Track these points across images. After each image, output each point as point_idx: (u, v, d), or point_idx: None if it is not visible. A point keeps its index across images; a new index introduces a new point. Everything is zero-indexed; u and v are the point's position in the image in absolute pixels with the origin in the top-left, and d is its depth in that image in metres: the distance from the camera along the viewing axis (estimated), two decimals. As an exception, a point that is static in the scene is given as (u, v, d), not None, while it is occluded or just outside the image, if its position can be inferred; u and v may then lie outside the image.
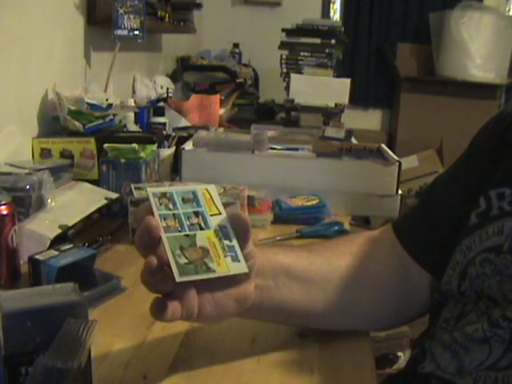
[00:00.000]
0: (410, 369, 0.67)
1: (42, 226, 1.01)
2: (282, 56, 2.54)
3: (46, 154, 1.37)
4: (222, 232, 0.49)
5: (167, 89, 2.27)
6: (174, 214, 0.47)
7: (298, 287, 0.66)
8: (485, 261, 0.58)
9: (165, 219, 0.46)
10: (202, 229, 0.48)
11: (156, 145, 1.40)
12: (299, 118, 2.27)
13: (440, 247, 0.67)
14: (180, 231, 0.47)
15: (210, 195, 0.50)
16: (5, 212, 0.89)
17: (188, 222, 0.47)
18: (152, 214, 0.49)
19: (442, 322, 0.63)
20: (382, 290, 0.71)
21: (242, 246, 0.52)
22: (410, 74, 3.90)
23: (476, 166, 0.67)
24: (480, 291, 0.59)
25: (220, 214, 0.50)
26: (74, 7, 1.65)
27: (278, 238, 1.18)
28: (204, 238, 0.48)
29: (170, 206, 0.47)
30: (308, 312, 0.69)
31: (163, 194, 0.47)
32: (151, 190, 0.46)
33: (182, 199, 0.48)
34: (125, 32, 1.74)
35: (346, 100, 2.37)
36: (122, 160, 1.27)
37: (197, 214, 0.48)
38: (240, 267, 0.51)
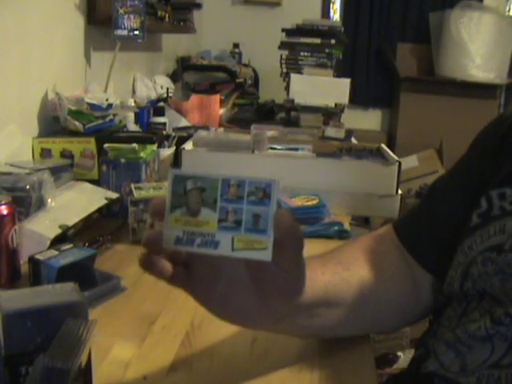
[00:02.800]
0: (413, 368, 0.67)
1: (42, 226, 1.01)
2: (282, 56, 2.54)
3: (46, 153, 1.37)
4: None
5: (167, 89, 2.27)
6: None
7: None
8: (487, 260, 0.58)
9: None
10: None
11: (156, 145, 1.40)
12: (299, 118, 2.27)
13: (442, 248, 0.67)
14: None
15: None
16: (5, 212, 0.89)
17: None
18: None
19: (444, 320, 0.63)
20: (392, 293, 0.71)
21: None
22: (409, 74, 3.90)
23: (477, 168, 0.68)
24: (482, 290, 0.59)
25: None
26: (74, 7, 1.65)
27: (278, 238, 1.18)
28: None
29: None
30: (327, 327, 0.69)
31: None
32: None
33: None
34: (125, 32, 1.74)
35: (345, 100, 2.37)
36: (122, 160, 1.27)
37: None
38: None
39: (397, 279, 0.71)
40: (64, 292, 0.56)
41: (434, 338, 0.63)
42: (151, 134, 1.54)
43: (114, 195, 1.23)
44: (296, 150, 1.56)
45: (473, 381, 0.55)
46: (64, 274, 0.84)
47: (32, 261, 0.88)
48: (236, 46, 3.36)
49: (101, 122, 1.45)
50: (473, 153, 0.70)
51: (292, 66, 2.51)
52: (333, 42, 2.50)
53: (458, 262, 0.62)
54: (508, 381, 0.53)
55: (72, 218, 1.09)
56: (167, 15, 2.24)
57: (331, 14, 4.00)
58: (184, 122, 1.96)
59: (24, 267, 0.92)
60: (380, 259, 0.72)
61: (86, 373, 0.54)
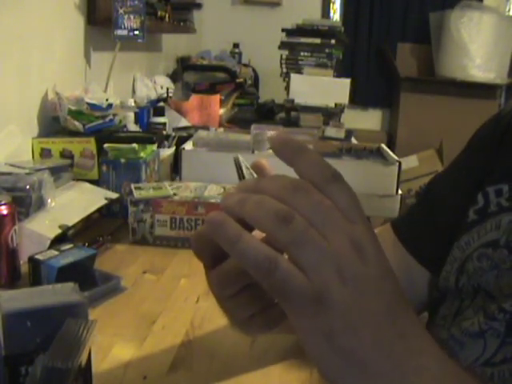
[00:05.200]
0: None
1: (42, 226, 1.02)
2: (282, 56, 2.54)
3: (46, 153, 1.37)
4: None
5: (167, 89, 2.27)
6: None
7: None
8: (482, 256, 0.59)
9: (249, 175, 0.46)
10: None
11: (156, 145, 1.40)
12: (299, 117, 2.27)
13: (439, 244, 0.67)
14: None
15: None
16: (5, 212, 0.89)
17: None
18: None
19: (439, 320, 0.63)
20: None
21: None
22: (409, 74, 3.90)
23: (474, 164, 0.68)
24: (477, 286, 0.59)
25: None
26: (74, 7, 1.65)
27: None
28: None
29: (251, 177, 0.47)
30: None
31: (247, 167, 0.47)
32: (241, 158, 0.47)
33: None
34: (125, 32, 1.74)
35: (346, 100, 2.37)
36: (122, 160, 1.27)
37: None
38: None
39: None
40: (64, 292, 0.56)
41: None
42: (151, 134, 1.54)
43: (114, 195, 1.23)
44: (296, 150, 1.56)
45: None
46: (64, 274, 0.84)
47: (32, 261, 0.88)
48: (236, 45, 3.36)
49: (101, 121, 1.45)
50: (471, 150, 0.71)
51: (292, 65, 2.51)
52: (333, 42, 2.50)
53: (454, 258, 0.62)
54: (500, 378, 0.53)
55: (72, 218, 1.09)
56: (167, 15, 2.24)
57: (331, 14, 4.00)
58: (184, 122, 1.96)
59: (24, 267, 0.92)
60: None
61: (85, 373, 0.54)
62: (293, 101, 2.33)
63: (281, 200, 0.36)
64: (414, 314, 0.39)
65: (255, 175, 0.46)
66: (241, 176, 0.45)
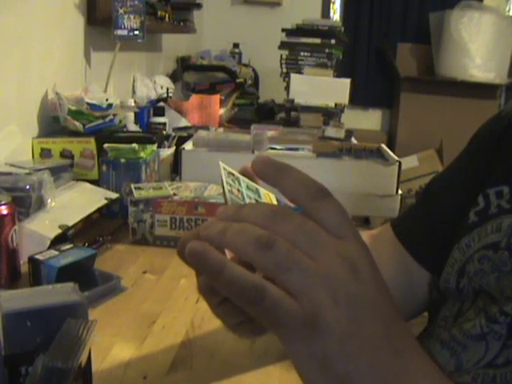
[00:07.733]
0: None
1: (42, 226, 1.02)
2: (281, 56, 2.54)
3: (46, 154, 1.37)
4: None
5: (167, 89, 2.27)
6: (238, 189, 0.46)
7: None
8: (483, 258, 0.59)
9: (230, 186, 0.45)
10: None
11: (156, 145, 1.40)
12: (299, 117, 2.27)
13: (439, 245, 0.67)
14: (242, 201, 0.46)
15: (270, 198, 0.50)
16: (5, 212, 0.89)
17: (249, 200, 0.46)
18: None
19: (440, 321, 0.63)
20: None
21: None
22: (409, 74, 3.90)
23: (474, 165, 0.68)
24: (478, 288, 0.59)
25: None
26: (74, 7, 1.65)
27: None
28: None
29: (236, 183, 0.46)
30: None
31: (231, 173, 0.46)
32: (222, 164, 0.46)
33: (247, 186, 0.47)
34: (125, 32, 1.74)
35: (345, 100, 2.37)
36: (122, 160, 1.27)
37: (257, 201, 0.47)
38: None
39: (392, 275, 0.71)
40: (64, 292, 0.57)
41: (430, 339, 0.63)
42: (151, 134, 1.54)
43: (114, 195, 1.23)
44: (296, 149, 1.56)
45: (468, 380, 0.55)
46: (64, 274, 0.84)
47: (32, 261, 0.88)
48: (236, 45, 3.35)
49: (101, 121, 1.45)
50: (471, 150, 0.71)
51: (292, 65, 2.51)
52: (333, 41, 2.50)
53: (455, 259, 0.62)
54: (502, 380, 0.53)
55: (72, 218, 1.09)
56: (167, 15, 2.24)
57: (331, 13, 4.00)
58: (184, 122, 1.96)
59: (24, 267, 0.92)
60: (375, 255, 0.72)
61: (85, 373, 0.54)
62: (293, 101, 2.33)
63: (262, 226, 0.35)
64: (408, 329, 0.38)
65: (241, 177, 0.46)
66: (222, 186, 0.44)
